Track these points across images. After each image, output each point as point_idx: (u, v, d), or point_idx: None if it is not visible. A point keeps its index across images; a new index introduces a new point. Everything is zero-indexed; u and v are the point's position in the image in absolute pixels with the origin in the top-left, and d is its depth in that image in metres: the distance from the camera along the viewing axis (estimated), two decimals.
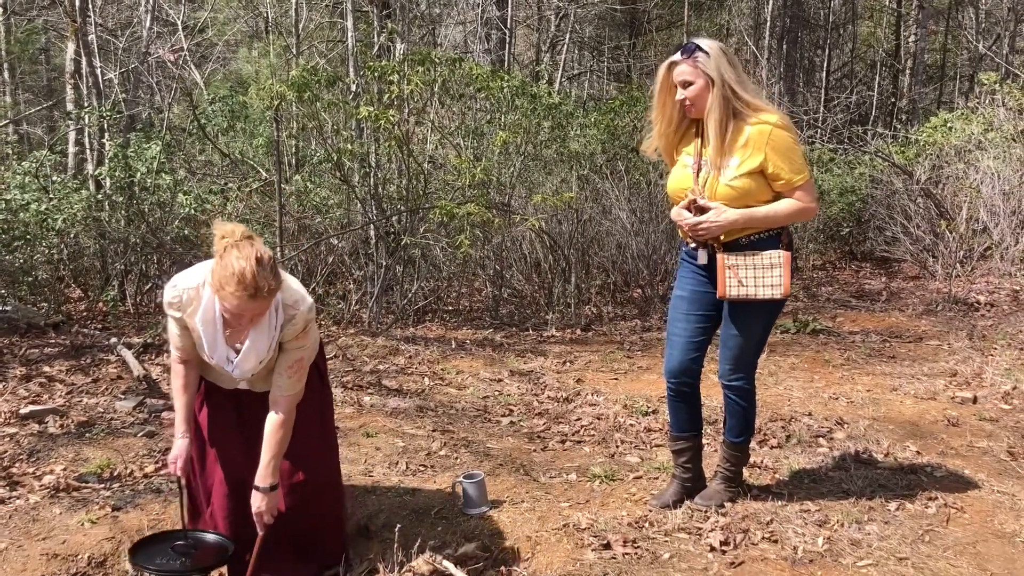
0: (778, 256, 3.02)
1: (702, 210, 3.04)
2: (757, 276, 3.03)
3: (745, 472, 3.56)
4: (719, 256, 3.07)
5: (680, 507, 3.33)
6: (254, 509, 2.67)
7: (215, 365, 2.72)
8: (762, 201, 3.02)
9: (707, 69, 2.95)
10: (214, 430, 2.85)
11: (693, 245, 3.17)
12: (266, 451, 2.66)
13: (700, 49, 2.97)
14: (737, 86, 2.96)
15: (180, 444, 2.73)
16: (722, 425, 3.51)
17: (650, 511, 3.33)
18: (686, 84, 3.01)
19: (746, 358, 3.23)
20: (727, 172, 3.00)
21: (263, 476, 2.65)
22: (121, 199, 7.38)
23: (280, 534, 2.83)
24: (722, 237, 3.06)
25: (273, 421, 2.67)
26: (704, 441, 4.13)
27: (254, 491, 2.67)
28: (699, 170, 3.08)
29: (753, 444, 4.02)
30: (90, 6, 8.67)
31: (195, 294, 2.63)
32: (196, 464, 2.91)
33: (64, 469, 3.73)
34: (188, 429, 2.76)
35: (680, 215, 3.13)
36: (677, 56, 3.02)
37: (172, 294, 2.65)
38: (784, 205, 3.02)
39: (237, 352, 2.67)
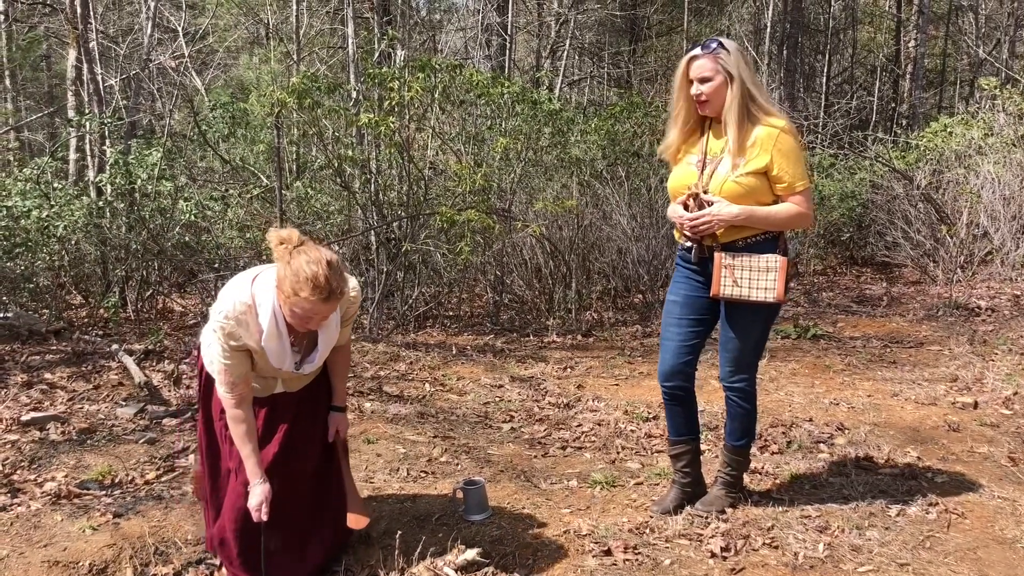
0: (775, 260, 3.03)
1: (701, 206, 3.06)
2: (752, 278, 3.04)
3: (746, 478, 3.55)
4: (716, 255, 3.08)
5: (681, 513, 3.33)
6: (340, 430, 3.01)
7: (282, 373, 2.75)
8: (763, 202, 3.04)
9: (727, 66, 2.97)
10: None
11: (688, 244, 3.18)
12: (339, 378, 3.03)
13: (722, 46, 2.99)
14: (753, 87, 3.00)
15: (261, 490, 2.67)
16: (723, 430, 3.51)
17: (651, 517, 3.33)
18: (704, 80, 3.02)
19: (746, 359, 3.23)
20: (738, 170, 3.01)
21: (342, 398, 3.03)
22: (122, 206, 7.39)
23: (292, 523, 2.87)
24: (719, 235, 3.08)
25: (342, 354, 3.00)
26: (705, 447, 4.13)
27: (335, 414, 3.00)
28: (703, 167, 3.09)
29: (754, 450, 4.02)
30: (91, 13, 8.69)
31: (250, 314, 2.60)
32: (209, 475, 2.91)
33: (65, 476, 3.73)
34: (264, 473, 2.71)
35: (675, 211, 3.15)
36: (698, 51, 3.03)
37: (229, 326, 2.58)
38: (784, 208, 3.04)
39: (296, 352, 2.73)
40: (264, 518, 2.68)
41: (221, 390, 2.69)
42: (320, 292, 2.46)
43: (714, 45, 3.00)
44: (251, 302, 2.60)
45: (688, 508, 3.35)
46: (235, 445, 2.76)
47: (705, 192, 3.05)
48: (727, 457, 3.40)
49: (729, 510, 3.34)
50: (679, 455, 3.41)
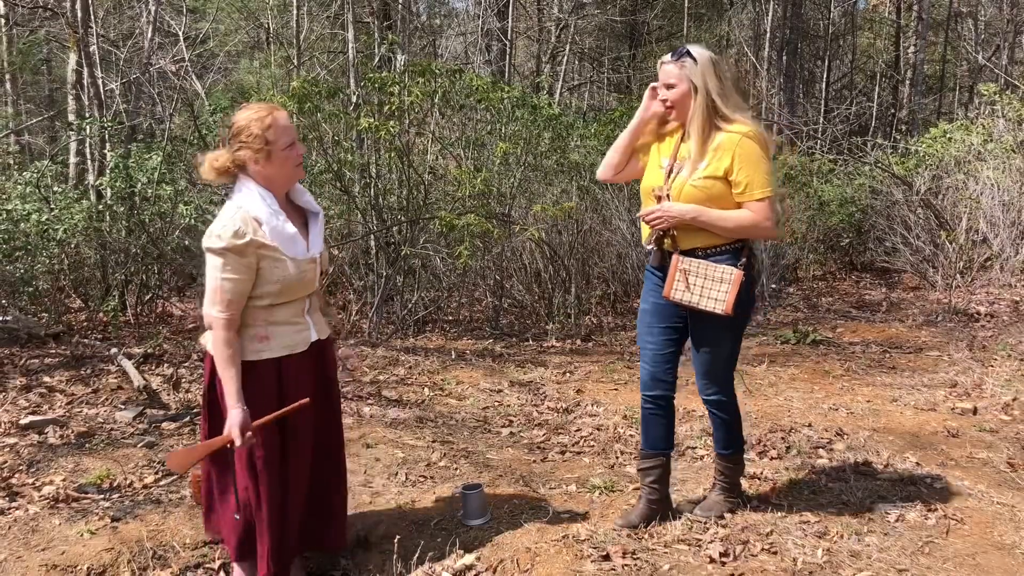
0: (730, 273, 3.02)
1: None
2: (704, 286, 3.04)
3: (744, 483, 3.55)
4: (674, 257, 3.09)
5: (646, 528, 3.26)
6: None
7: (295, 259, 2.73)
8: (726, 209, 3.04)
9: (691, 76, 3.00)
10: (296, 432, 2.81)
11: (651, 246, 3.19)
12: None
13: (689, 55, 3.01)
14: (718, 98, 3.00)
15: (242, 414, 2.65)
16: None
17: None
18: (669, 86, 3.06)
19: (717, 372, 3.23)
20: (695, 174, 3.03)
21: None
22: (122, 209, 7.39)
23: (315, 502, 2.91)
24: (679, 240, 3.09)
25: None
26: (703, 452, 4.14)
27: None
28: (671, 171, 3.11)
29: (753, 455, 4.03)
30: (92, 17, 8.70)
31: (249, 218, 2.68)
32: (215, 476, 2.89)
33: (64, 480, 3.73)
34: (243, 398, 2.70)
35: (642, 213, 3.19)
36: (668, 57, 3.08)
37: (233, 227, 2.64)
38: (737, 214, 3.02)
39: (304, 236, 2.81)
40: (252, 441, 2.67)
41: (215, 310, 2.65)
42: (268, 106, 2.76)
43: (683, 53, 3.03)
44: (246, 211, 2.70)
45: (687, 513, 3.35)
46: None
47: (668, 195, 3.08)
48: (719, 465, 3.41)
49: (728, 515, 3.33)
50: (650, 469, 3.34)
